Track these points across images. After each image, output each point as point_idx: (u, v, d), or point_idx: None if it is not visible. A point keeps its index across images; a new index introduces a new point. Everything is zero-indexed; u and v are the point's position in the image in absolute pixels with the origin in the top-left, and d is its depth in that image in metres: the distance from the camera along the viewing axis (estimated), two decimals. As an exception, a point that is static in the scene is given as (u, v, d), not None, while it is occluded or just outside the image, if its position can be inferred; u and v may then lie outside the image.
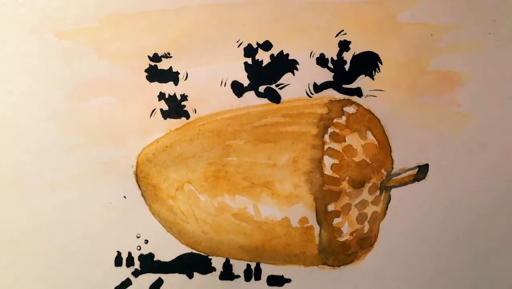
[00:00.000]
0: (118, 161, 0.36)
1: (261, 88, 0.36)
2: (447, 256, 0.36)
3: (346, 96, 0.36)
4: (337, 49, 0.36)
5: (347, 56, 0.36)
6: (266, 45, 0.36)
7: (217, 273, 0.36)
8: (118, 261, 0.36)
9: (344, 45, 0.36)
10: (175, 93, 0.36)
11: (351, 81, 0.36)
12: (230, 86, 0.36)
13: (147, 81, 0.36)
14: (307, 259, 0.36)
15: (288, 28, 0.36)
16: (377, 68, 0.36)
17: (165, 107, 0.36)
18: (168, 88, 0.36)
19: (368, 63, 0.36)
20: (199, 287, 0.36)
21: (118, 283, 0.36)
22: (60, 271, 0.36)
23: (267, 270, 0.36)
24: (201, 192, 0.36)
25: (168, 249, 0.36)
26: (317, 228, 0.36)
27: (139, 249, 0.36)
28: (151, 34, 0.36)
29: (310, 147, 0.36)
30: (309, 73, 0.36)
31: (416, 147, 0.36)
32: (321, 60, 0.36)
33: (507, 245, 0.36)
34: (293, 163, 0.36)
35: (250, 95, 0.36)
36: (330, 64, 0.36)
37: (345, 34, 0.36)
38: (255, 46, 0.36)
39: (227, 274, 0.36)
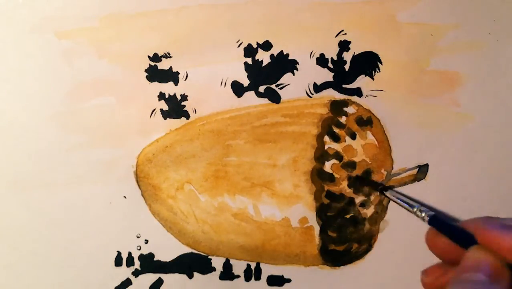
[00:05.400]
0: (118, 161, 0.36)
1: (261, 88, 0.36)
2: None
3: (346, 96, 0.36)
4: (337, 49, 0.36)
5: (347, 56, 0.36)
6: (266, 45, 0.36)
7: (217, 273, 0.36)
8: (118, 261, 0.36)
9: (344, 45, 0.36)
10: (175, 93, 0.36)
11: (351, 81, 0.36)
12: (230, 86, 0.36)
13: (147, 81, 0.36)
14: (307, 259, 0.36)
15: (288, 28, 0.36)
16: (377, 68, 0.36)
17: (165, 107, 0.36)
18: (168, 88, 0.36)
19: (368, 63, 0.36)
20: (199, 287, 0.36)
21: (118, 283, 0.36)
22: (60, 271, 0.36)
23: (267, 270, 0.36)
24: (201, 192, 0.36)
25: (168, 249, 0.36)
26: (317, 228, 0.36)
27: (139, 249, 0.36)
28: (151, 34, 0.36)
29: (310, 146, 0.36)
30: (309, 73, 0.36)
31: (416, 147, 0.36)
32: (321, 60, 0.36)
33: (507, 245, 0.36)
34: (293, 163, 0.36)
35: (250, 95, 0.36)
36: (330, 64, 0.36)
37: (345, 34, 0.36)
38: (255, 46, 0.36)
39: (227, 274, 0.36)
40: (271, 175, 0.36)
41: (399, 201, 0.32)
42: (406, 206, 0.31)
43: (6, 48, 0.36)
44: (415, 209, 0.30)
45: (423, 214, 0.29)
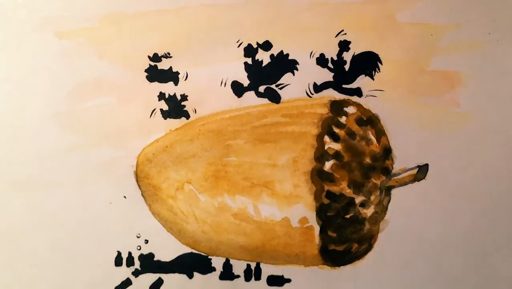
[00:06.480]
0: (118, 161, 0.36)
1: (261, 88, 0.36)
2: (447, 256, 0.36)
3: (346, 96, 0.36)
4: (337, 49, 0.36)
5: (347, 56, 0.36)
6: (266, 45, 0.36)
7: (217, 273, 0.36)
8: (118, 261, 0.36)
9: (344, 45, 0.36)
10: (175, 93, 0.36)
11: (351, 81, 0.36)
12: (230, 86, 0.36)
13: (147, 81, 0.36)
14: (307, 259, 0.36)
15: (288, 28, 0.36)
16: (377, 68, 0.36)
17: (165, 107, 0.36)
18: (168, 88, 0.36)
19: (368, 63, 0.36)
20: (199, 287, 0.36)
21: (118, 283, 0.36)
22: (60, 271, 0.36)
23: (267, 270, 0.36)
24: (201, 192, 0.36)
25: (168, 249, 0.36)
26: (317, 228, 0.36)
27: (139, 249, 0.36)
28: (151, 34, 0.36)
29: (310, 146, 0.36)
30: (309, 73, 0.36)
31: (416, 147, 0.36)
32: (321, 60, 0.36)
33: (507, 245, 0.36)
34: (293, 163, 0.36)
35: (250, 95, 0.36)
36: (330, 64, 0.36)
37: (345, 34, 0.36)
38: (255, 46, 0.36)
39: (227, 274, 0.36)
40: (271, 175, 0.36)
41: None
42: None
43: (6, 48, 0.36)
44: None
45: None
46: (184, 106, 0.36)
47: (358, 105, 0.36)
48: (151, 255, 0.36)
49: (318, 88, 0.36)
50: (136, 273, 0.36)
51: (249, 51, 0.36)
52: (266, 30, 0.36)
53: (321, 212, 0.36)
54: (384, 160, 0.36)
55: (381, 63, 0.36)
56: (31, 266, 0.36)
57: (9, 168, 0.36)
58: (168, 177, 0.36)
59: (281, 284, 0.36)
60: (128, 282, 0.36)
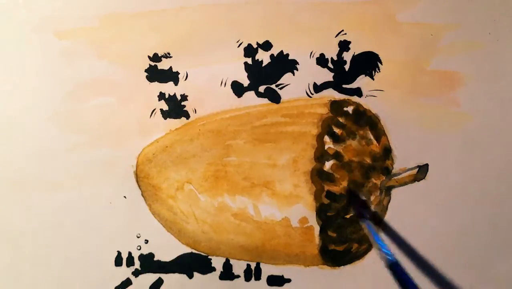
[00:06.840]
0: (118, 161, 0.36)
1: (261, 88, 0.36)
2: (447, 256, 0.36)
3: (346, 96, 0.36)
4: (337, 49, 0.36)
5: (347, 56, 0.36)
6: (266, 45, 0.36)
7: (217, 273, 0.36)
8: (118, 261, 0.36)
9: (344, 45, 0.36)
10: (175, 93, 0.36)
11: (351, 81, 0.36)
12: (230, 86, 0.36)
13: (147, 81, 0.36)
14: (307, 259, 0.36)
15: (288, 28, 0.36)
16: (377, 68, 0.36)
17: (165, 107, 0.36)
18: (168, 88, 0.36)
19: (368, 63, 0.36)
20: (199, 287, 0.36)
21: (118, 283, 0.36)
22: (60, 271, 0.36)
23: (267, 270, 0.36)
24: (201, 192, 0.36)
25: (168, 249, 0.36)
26: (317, 228, 0.36)
27: (139, 249, 0.36)
28: (151, 34, 0.36)
29: (310, 146, 0.36)
30: (309, 73, 0.36)
31: (416, 147, 0.36)
32: (321, 60, 0.36)
33: (507, 245, 0.36)
34: (293, 163, 0.36)
35: (250, 95, 0.36)
36: (330, 64, 0.36)
37: (345, 34, 0.36)
38: (255, 46, 0.36)
39: (227, 274, 0.36)
40: (271, 175, 0.36)
41: (371, 234, 0.32)
42: (376, 242, 0.31)
43: (6, 48, 0.36)
44: (381, 249, 0.30)
45: (387, 257, 0.29)
46: (184, 106, 0.36)
47: (358, 105, 0.36)
48: (151, 255, 0.36)
49: (318, 88, 0.36)
50: (136, 273, 0.36)
51: (249, 51, 0.36)
52: (266, 30, 0.36)
53: (321, 212, 0.36)
54: (384, 160, 0.36)
55: (381, 63, 0.36)
56: (31, 266, 0.36)
57: (9, 168, 0.36)
58: (168, 177, 0.36)
59: (281, 284, 0.36)
60: (128, 282, 0.36)
